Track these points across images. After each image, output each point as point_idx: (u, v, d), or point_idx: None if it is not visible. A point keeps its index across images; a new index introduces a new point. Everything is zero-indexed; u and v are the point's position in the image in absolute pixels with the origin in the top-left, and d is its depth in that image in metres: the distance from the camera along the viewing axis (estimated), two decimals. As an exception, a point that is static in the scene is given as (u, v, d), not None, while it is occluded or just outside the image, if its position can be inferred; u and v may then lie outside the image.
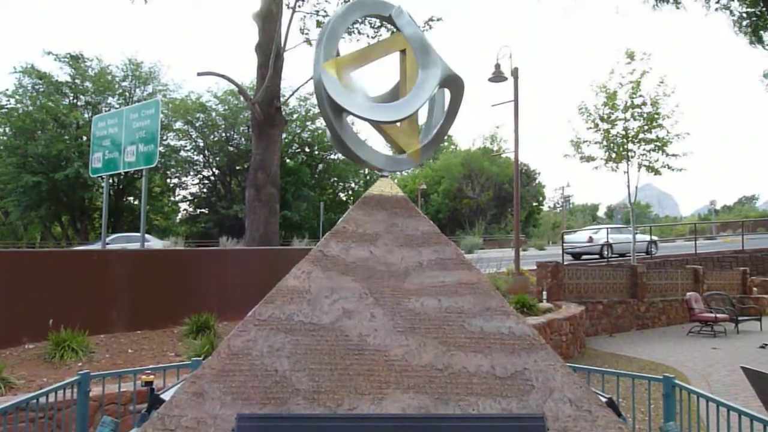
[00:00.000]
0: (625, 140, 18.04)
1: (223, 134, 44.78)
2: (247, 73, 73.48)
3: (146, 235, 26.11)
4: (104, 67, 38.75)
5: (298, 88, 19.64)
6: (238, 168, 45.00)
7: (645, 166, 18.20)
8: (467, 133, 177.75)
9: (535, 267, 15.29)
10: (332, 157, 47.91)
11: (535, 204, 64.67)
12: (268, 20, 15.01)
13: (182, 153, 44.25)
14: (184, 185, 47.57)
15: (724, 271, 19.66)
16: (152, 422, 2.43)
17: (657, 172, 18.19)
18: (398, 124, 3.31)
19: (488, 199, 58.59)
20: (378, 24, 16.05)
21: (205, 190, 48.42)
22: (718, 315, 14.41)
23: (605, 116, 18.21)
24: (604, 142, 18.27)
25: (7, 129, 36.54)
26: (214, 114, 43.85)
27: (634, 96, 17.89)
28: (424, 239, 3.05)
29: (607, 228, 27.44)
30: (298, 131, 46.28)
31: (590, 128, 18.55)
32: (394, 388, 2.54)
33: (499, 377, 2.60)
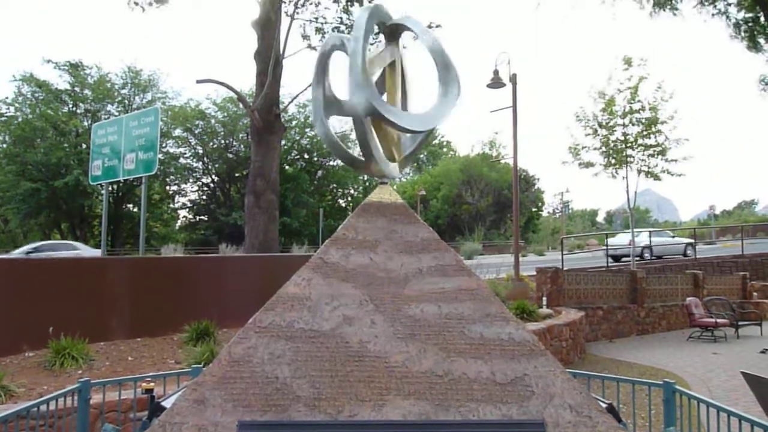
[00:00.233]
0: (624, 146, 18.07)
1: (223, 141, 44.84)
2: (246, 80, 73.61)
3: (76, 243, 25.92)
4: (104, 74, 38.85)
5: (297, 95, 19.75)
6: (237, 175, 45.04)
7: (644, 171, 18.23)
8: (466, 139, 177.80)
9: (534, 273, 15.29)
10: (331, 163, 47.96)
11: (534, 209, 64.71)
12: (267, 28, 15.08)
13: (181, 160, 44.31)
14: (183, 192, 47.64)
15: (724, 275, 19.66)
16: (153, 430, 2.44)
17: (656, 177, 18.21)
18: (396, 134, 3.37)
19: (487, 204, 58.62)
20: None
21: (204, 197, 48.43)
22: (718, 320, 14.40)
23: (604, 123, 18.25)
24: (603, 148, 18.30)
25: (7, 137, 36.59)
26: (213, 121, 43.92)
27: (632, 102, 17.94)
28: (424, 246, 3.07)
29: (649, 231, 28.73)
30: (297, 138, 46.36)
31: (588, 134, 18.59)
32: (394, 395, 2.54)
33: (499, 383, 2.61)
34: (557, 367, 2.69)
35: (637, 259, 24.79)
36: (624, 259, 25.67)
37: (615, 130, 18.21)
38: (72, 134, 36.60)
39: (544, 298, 13.69)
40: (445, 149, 75.45)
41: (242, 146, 43.33)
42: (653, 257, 25.07)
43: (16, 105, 36.56)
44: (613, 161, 18.29)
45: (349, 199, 53.87)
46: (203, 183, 47.90)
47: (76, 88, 37.95)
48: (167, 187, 45.41)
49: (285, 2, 15.69)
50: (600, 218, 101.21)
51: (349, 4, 16.38)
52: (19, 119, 36.03)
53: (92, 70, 38.75)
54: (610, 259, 23.99)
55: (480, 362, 2.67)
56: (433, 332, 2.74)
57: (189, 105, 43.27)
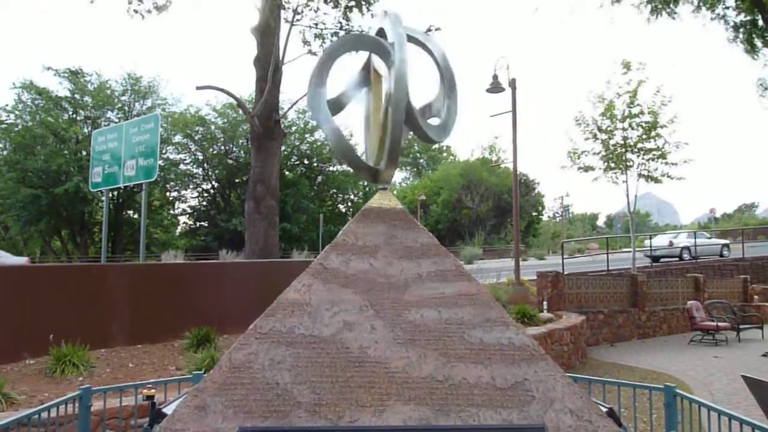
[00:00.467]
0: (624, 150, 18.10)
1: (222, 147, 44.86)
2: (245, 86, 73.88)
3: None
4: (103, 81, 38.87)
5: (297, 101, 19.75)
6: (237, 181, 45.05)
7: (644, 175, 18.25)
8: (466, 144, 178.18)
9: (535, 277, 15.28)
10: (331, 168, 48.01)
11: (534, 214, 64.70)
12: (267, 34, 15.12)
13: (181, 166, 44.29)
14: (183, 198, 47.60)
15: (725, 279, 19.66)
16: (154, 436, 2.44)
17: (656, 180, 18.24)
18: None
19: (488, 209, 58.63)
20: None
21: (204, 203, 48.42)
22: (719, 323, 14.38)
23: (603, 127, 18.29)
24: (603, 152, 18.34)
25: (7, 144, 36.61)
26: (213, 127, 43.95)
27: (631, 106, 17.98)
28: (424, 251, 3.07)
29: (687, 233, 29.91)
30: (297, 143, 46.39)
31: (588, 138, 18.62)
32: (395, 400, 2.55)
33: (499, 388, 2.61)
34: (557, 371, 2.69)
35: (676, 259, 25.99)
36: (663, 259, 26.65)
37: (614, 134, 18.26)
38: (72, 141, 36.62)
39: (545, 303, 13.69)
40: (444, 154, 75.57)
41: (242, 152, 43.36)
42: (692, 257, 25.88)
43: (16, 112, 36.57)
44: (612, 165, 18.32)
45: (349, 204, 53.86)
46: (203, 189, 47.91)
47: (76, 95, 37.98)
48: (167, 194, 45.40)
49: (284, 9, 15.73)
50: (600, 222, 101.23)
51: (348, 10, 16.41)
52: (19, 126, 36.04)
53: (92, 76, 38.79)
54: (648, 260, 25.58)
55: (480, 367, 2.67)
56: (433, 337, 2.75)
57: (189, 111, 43.32)
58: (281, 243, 24.76)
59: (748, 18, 21.81)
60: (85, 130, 36.50)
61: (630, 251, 21.05)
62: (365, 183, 46.83)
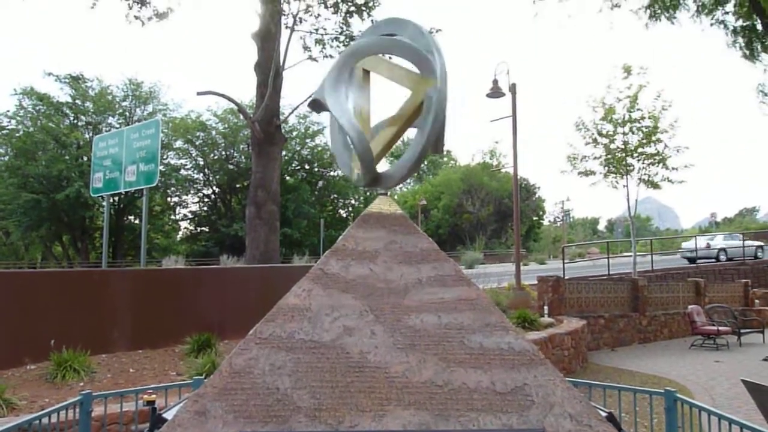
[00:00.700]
0: (624, 154, 18.11)
1: (223, 152, 44.94)
2: (246, 91, 73.94)
3: None
4: (104, 87, 39.00)
5: (297, 106, 19.81)
6: (238, 186, 45.10)
7: (644, 180, 18.26)
8: (466, 149, 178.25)
9: (536, 281, 15.28)
10: (332, 173, 48.05)
11: (535, 218, 64.71)
12: (267, 40, 15.18)
13: (182, 172, 44.36)
14: (184, 204, 47.66)
15: (726, 283, 19.63)
16: (155, 442, 2.45)
17: (656, 186, 18.25)
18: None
19: (488, 214, 58.64)
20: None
21: (205, 208, 48.47)
22: (720, 328, 14.36)
23: (603, 131, 18.31)
24: (603, 157, 18.35)
25: (8, 150, 36.69)
26: (214, 132, 44.04)
27: (631, 110, 18.00)
28: (423, 256, 3.08)
29: (723, 235, 31.61)
30: (298, 148, 46.46)
31: (588, 143, 18.64)
32: (395, 405, 2.55)
33: (499, 393, 2.61)
34: (557, 376, 2.70)
35: (713, 261, 27.15)
36: (701, 260, 27.49)
37: (615, 139, 18.27)
38: (73, 147, 36.71)
39: (546, 307, 13.68)
40: (445, 159, 75.58)
41: (243, 157, 43.43)
42: (728, 259, 27.06)
43: (18, 118, 36.68)
44: (613, 170, 18.34)
45: (350, 209, 53.89)
46: (204, 194, 47.98)
47: (77, 101, 38.10)
48: (168, 199, 45.45)
49: (285, 14, 15.80)
50: (601, 226, 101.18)
51: (348, 15, 16.47)
52: (21, 132, 36.13)
53: (93, 82, 38.96)
54: (685, 261, 27.40)
55: (480, 372, 2.67)
56: (432, 342, 2.76)
57: (190, 117, 43.44)
58: (282, 248, 24.76)
59: (748, 23, 21.86)
60: (86, 136, 36.59)
61: (631, 255, 21.10)
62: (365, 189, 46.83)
